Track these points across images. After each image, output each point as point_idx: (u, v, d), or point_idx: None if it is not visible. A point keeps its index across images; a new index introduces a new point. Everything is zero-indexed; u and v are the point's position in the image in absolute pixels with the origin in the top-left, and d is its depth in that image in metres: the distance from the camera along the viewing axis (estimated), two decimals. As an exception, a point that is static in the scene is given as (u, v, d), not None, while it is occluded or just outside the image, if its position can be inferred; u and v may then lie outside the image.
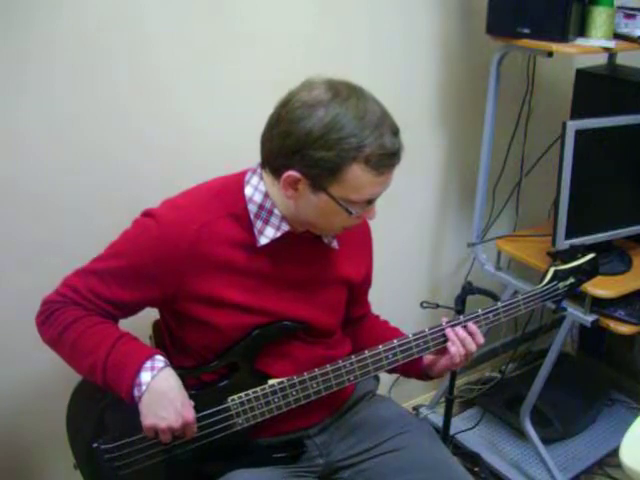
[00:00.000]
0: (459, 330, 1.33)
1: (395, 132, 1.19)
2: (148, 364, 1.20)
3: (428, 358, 1.39)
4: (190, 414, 1.21)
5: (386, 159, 1.17)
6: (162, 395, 1.19)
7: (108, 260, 1.28)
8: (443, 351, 1.35)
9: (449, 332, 1.33)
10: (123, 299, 1.27)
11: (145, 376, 1.19)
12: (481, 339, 1.34)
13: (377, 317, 1.57)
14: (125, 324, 1.32)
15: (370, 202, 1.23)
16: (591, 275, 1.51)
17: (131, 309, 1.31)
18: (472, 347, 1.33)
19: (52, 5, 1.41)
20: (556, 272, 1.46)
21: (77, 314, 1.25)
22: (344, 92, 1.17)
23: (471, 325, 1.34)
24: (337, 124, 1.14)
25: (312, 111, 1.15)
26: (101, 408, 1.30)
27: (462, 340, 1.33)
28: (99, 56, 1.49)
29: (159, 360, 1.22)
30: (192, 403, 1.23)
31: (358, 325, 1.53)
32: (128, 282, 1.26)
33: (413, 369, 1.41)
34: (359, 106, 1.16)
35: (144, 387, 1.19)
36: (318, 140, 1.15)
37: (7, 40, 1.38)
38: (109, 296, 1.26)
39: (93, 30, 1.47)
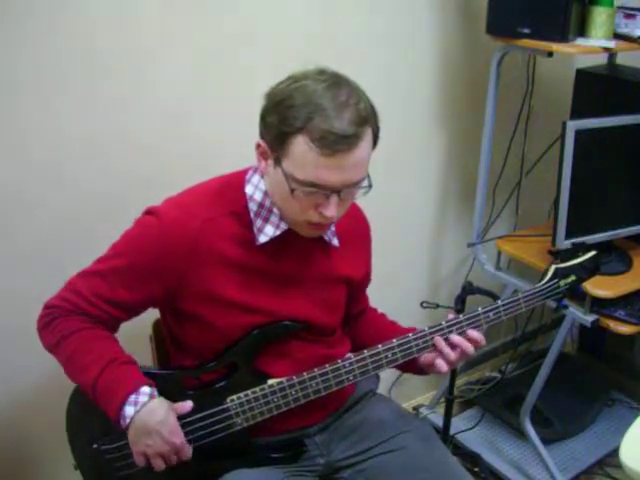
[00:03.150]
0: (454, 337, 1.31)
1: (357, 122, 1.13)
2: (132, 398, 1.19)
3: (425, 357, 1.36)
4: (179, 439, 1.21)
5: (332, 138, 1.11)
6: (146, 429, 1.19)
7: (110, 260, 1.28)
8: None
9: (437, 340, 1.31)
10: (126, 300, 1.26)
11: (129, 410, 1.19)
12: (482, 341, 1.33)
13: (375, 310, 1.57)
14: (126, 323, 1.32)
15: (327, 194, 1.17)
16: (592, 273, 1.48)
17: (134, 310, 1.31)
18: (470, 350, 1.32)
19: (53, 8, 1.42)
20: (557, 270, 1.43)
21: (77, 325, 1.25)
22: (327, 75, 1.17)
23: (471, 332, 1.32)
24: (298, 93, 1.13)
25: (286, 80, 1.17)
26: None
27: (460, 345, 1.31)
28: (103, 58, 1.49)
29: (144, 394, 1.20)
30: (182, 430, 1.22)
31: (357, 321, 1.53)
32: (131, 282, 1.25)
33: (410, 367, 1.41)
34: (331, 88, 1.14)
35: (128, 420, 1.19)
36: (276, 105, 1.15)
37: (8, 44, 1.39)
38: (112, 297, 1.26)
39: (95, 33, 1.47)
